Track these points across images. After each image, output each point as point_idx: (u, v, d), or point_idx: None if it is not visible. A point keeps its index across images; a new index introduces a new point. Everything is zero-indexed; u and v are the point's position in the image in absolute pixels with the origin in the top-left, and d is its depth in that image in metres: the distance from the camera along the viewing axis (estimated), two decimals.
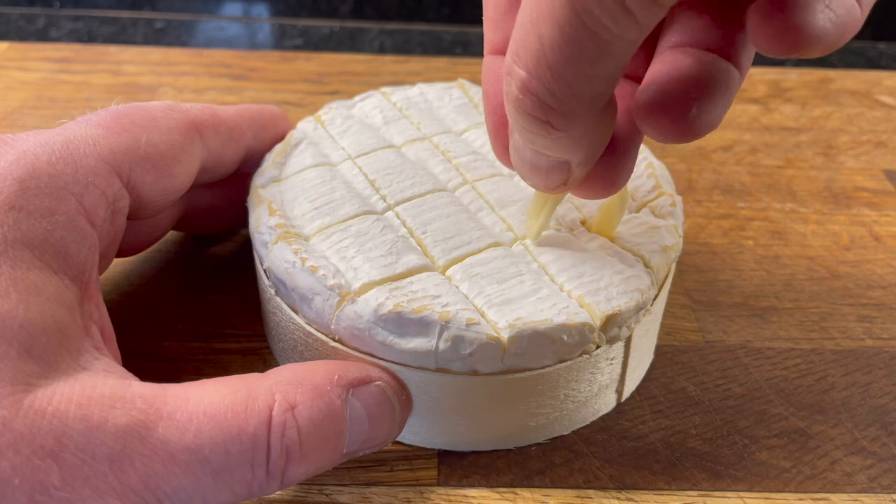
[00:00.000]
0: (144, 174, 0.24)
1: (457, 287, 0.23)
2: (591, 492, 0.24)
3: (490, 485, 0.24)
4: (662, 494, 0.24)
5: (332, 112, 0.31)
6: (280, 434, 0.20)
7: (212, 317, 0.29)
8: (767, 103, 0.45)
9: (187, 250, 0.33)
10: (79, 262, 0.21)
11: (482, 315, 0.23)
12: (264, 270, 0.25)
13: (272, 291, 0.25)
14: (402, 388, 0.23)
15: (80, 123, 0.23)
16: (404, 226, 0.26)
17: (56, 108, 0.41)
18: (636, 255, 0.25)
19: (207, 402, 0.19)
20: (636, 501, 0.24)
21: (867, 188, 0.38)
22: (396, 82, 0.46)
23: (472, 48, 0.54)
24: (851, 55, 0.54)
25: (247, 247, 0.30)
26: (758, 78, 0.48)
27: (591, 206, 0.27)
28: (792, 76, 0.49)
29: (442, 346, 0.22)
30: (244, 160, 0.28)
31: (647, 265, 0.25)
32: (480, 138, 0.30)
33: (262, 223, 0.25)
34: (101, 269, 0.24)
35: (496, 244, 0.25)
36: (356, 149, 0.29)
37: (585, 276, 0.24)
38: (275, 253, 0.24)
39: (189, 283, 0.31)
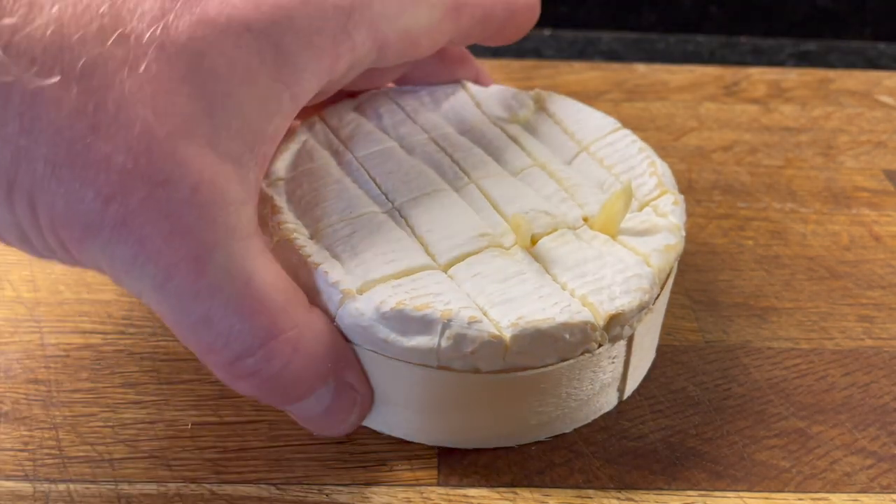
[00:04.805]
0: (396, 43, 0.24)
1: (458, 285, 0.24)
2: (590, 491, 0.24)
3: (490, 484, 0.24)
4: (662, 494, 0.24)
5: (336, 110, 0.31)
6: (268, 355, 0.21)
7: None
8: (767, 103, 0.45)
9: None
10: (304, 90, 0.22)
11: (484, 313, 0.23)
12: None
13: None
14: (367, 406, 0.24)
15: None
16: (407, 224, 0.26)
17: None
18: (638, 254, 0.25)
19: (259, 276, 0.21)
20: (636, 501, 0.24)
21: (867, 188, 0.38)
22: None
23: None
24: (851, 55, 0.54)
25: None
26: (758, 78, 0.48)
27: (594, 205, 0.27)
28: (792, 76, 0.49)
29: (444, 343, 0.22)
30: (486, 40, 0.29)
31: (648, 264, 0.25)
32: (486, 137, 0.30)
33: (265, 221, 0.25)
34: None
35: (498, 244, 0.25)
36: (360, 147, 0.29)
37: (588, 276, 0.24)
38: (278, 251, 0.24)
39: None
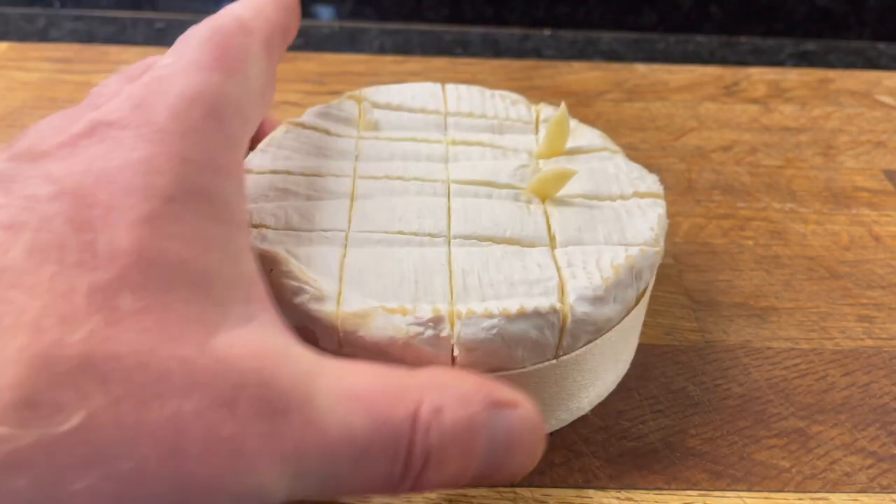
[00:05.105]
0: (255, 109, 0.24)
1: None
2: (590, 491, 0.24)
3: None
4: (662, 494, 0.24)
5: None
6: (424, 433, 0.19)
7: None
8: (767, 103, 0.45)
9: None
10: (240, 212, 0.21)
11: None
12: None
13: None
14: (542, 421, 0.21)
15: (193, 66, 0.22)
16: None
17: (56, 109, 0.41)
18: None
19: (361, 384, 0.19)
20: (636, 501, 0.24)
21: (867, 188, 0.38)
22: (396, 82, 0.46)
23: (471, 48, 0.54)
24: (851, 55, 0.54)
25: None
26: (758, 78, 0.48)
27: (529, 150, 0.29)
28: (792, 76, 0.49)
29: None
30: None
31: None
32: (369, 150, 0.29)
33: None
34: None
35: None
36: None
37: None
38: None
39: None
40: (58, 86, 0.43)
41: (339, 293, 0.23)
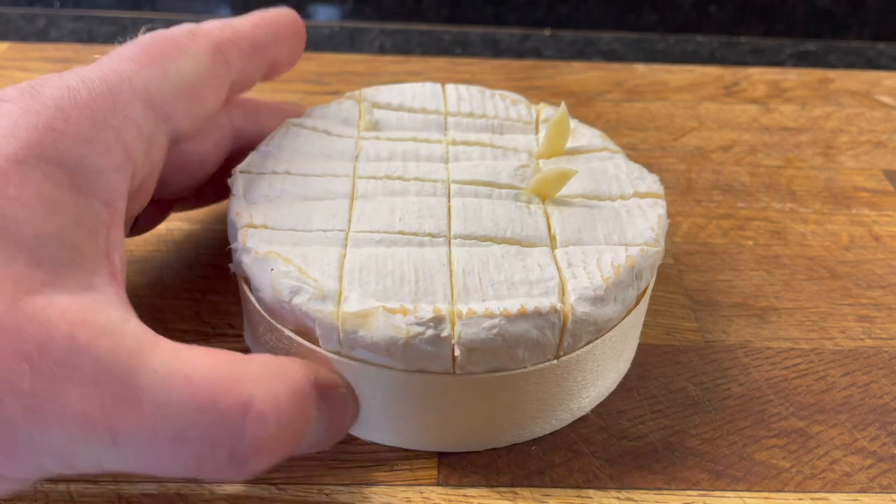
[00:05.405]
0: (177, 104, 0.24)
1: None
2: (590, 491, 0.24)
3: (490, 484, 0.24)
4: (662, 494, 0.24)
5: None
6: (259, 424, 0.19)
7: (212, 317, 0.29)
8: (767, 103, 0.45)
9: (187, 250, 0.33)
10: (111, 189, 0.22)
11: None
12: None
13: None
14: (354, 394, 0.23)
15: (114, 59, 0.24)
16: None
17: None
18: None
19: (192, 366, 0.19)
20: (636, 501, 0.24)
21: (867, 188, 0.38)
22: (396, 82, 0.46)
23: (471, 48, 0.54)
24: (852, 55, 0.54)
25: None
26: (757, 78, 0.48)
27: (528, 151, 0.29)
28: (792, 76, 0.49)
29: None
30: (268, 69, 0.29)
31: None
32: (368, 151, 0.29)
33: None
34: (142, 204, 0.25)
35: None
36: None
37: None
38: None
39: (189, 283, 0.31)
40: None
41: (340, 293, 0.23)
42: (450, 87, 0.33)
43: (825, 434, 0.26)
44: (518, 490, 0.24)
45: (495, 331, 0.22)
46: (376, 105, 0.31)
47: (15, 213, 0.19)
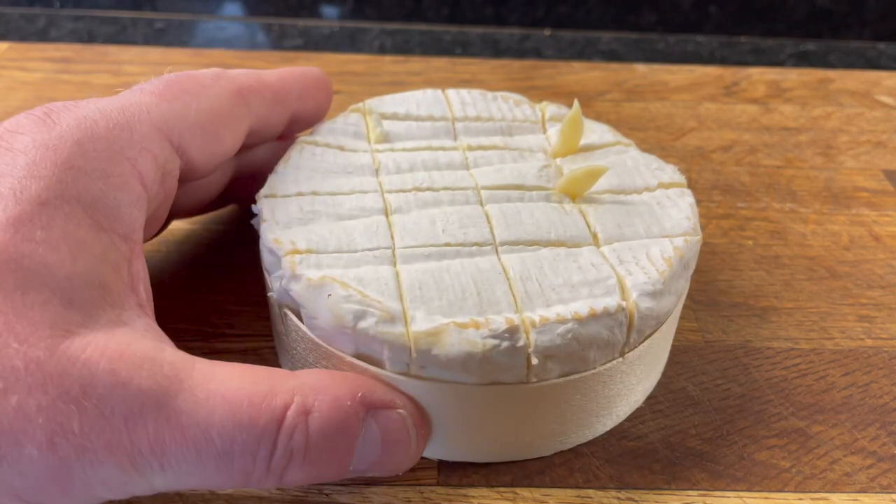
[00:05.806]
0: (193, 139, 0.25)
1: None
2: (590, 491, 0.24)
3: (490, 484, 0.24)
4: (662, 494, 0.24)
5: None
6: (289, 435, 0.20)
7: (212, 317, 0.29)
8: (767, 103, 0.45)
9: (187, 250, 0.33)
10: (129, 222, 0.22)
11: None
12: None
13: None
14: (423, 421, 0.23)
15: (135, 92, 0.24)
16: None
17: None
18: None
19: (228, 386, 0.20)
20: (636, 501, 0.24)
21: (867, 188, 0.38)
22: (396, 82, 0.46)
23: (471, 48, 0.54)
24: (852, 55, 0.54)
25: (247, 246, 0.30)
26: (758, 78, 0.48)
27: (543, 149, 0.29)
28: (792, 76, 0.49)
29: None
30: (291, 121, 0.30)
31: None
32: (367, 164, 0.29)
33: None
34: (155, 232, 0.26)
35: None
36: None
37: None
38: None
39: (189, 283, 0.31)
40: (58, 86, 0.43)
41: (404, 313, 0.22)
42: (451, 93, 0.33)
43: (825, 434, 0.26)
44: (518, 490, 0.24)
45: (570, 335, 0.22)
46: (383, 116, 0.31)
47: (45, 257, 0.20)
